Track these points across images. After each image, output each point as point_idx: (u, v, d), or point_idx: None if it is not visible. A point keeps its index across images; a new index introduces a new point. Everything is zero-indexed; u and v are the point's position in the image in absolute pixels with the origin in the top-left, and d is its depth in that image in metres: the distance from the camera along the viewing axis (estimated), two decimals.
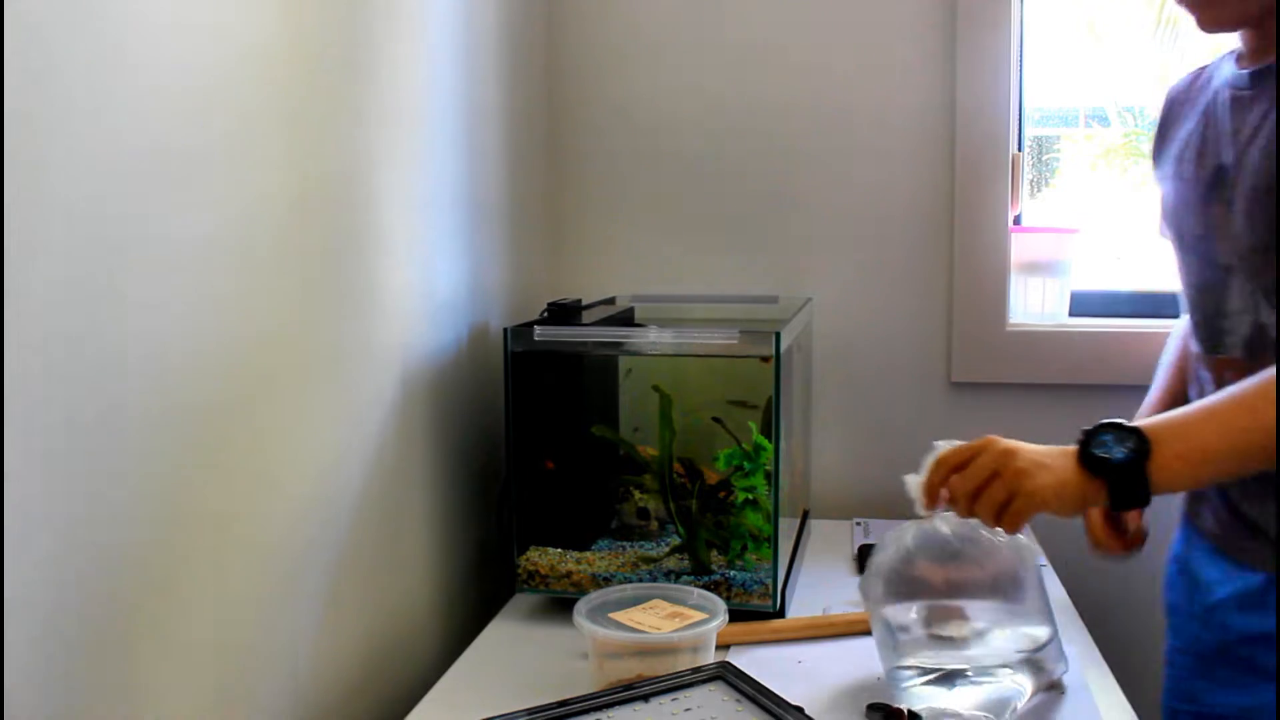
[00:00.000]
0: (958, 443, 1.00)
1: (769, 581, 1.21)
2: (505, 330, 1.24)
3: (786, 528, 1.27)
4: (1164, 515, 1.24)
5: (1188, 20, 1.10)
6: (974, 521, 0.98)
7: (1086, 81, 1.79)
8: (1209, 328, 1.15)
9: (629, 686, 0.91)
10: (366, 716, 1.08)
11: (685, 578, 1.22)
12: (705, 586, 1.17)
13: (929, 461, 1.00)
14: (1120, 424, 0.96)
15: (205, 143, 0.80)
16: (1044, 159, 1.80)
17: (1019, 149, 1.66)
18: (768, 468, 1.23)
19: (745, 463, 1.24)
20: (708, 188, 1.67)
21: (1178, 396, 1.26)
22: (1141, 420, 0.98)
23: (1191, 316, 1.19)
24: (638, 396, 1.40)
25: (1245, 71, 1.11)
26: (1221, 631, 1.17)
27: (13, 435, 0.62)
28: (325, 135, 0.98)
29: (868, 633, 1.07)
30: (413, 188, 1.18)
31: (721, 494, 1.27)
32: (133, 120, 0.72)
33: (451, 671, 1.11)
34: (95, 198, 0.68)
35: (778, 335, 1.16)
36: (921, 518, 1.01)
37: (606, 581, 1.22)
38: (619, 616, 1.02)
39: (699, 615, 1.02)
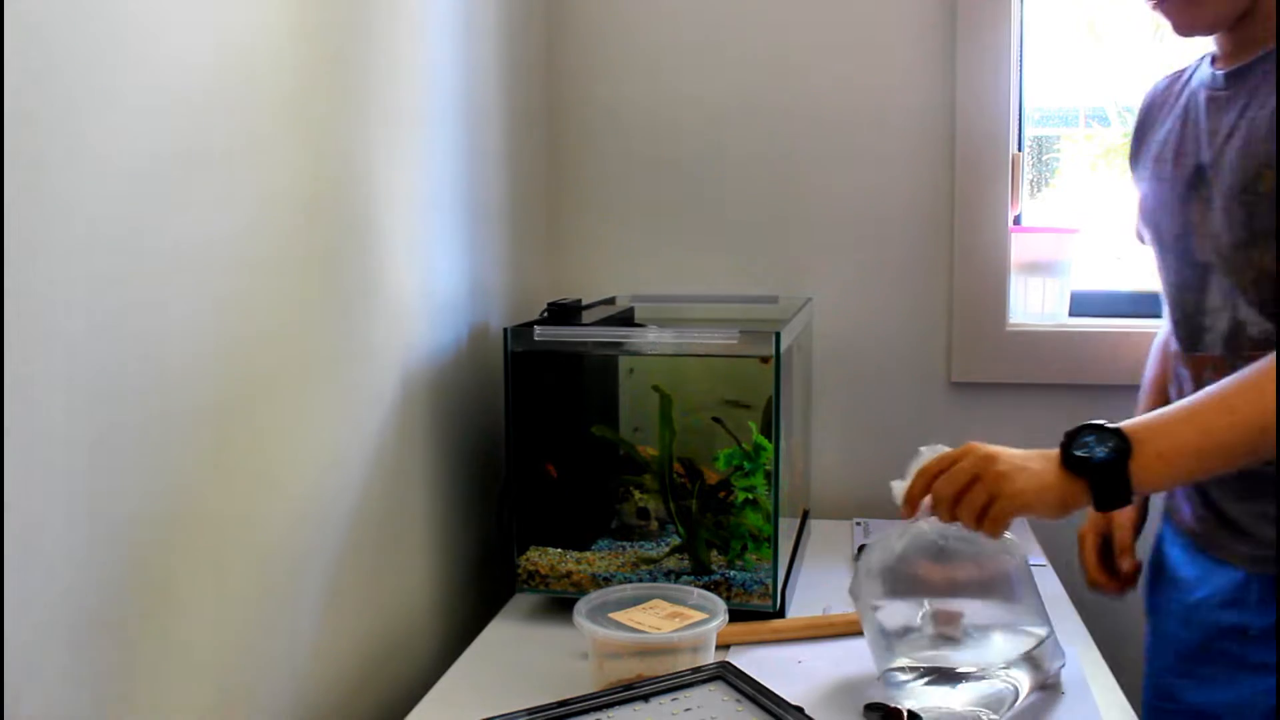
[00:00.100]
0: (943, 448, 1.02)
1: (769, 581, 1.21)
2: (505, 330, 1.24)
3: (786, 528, 1.27)
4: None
5: (1164, 24, 1.12)
6: (956, 526, 0.99)
7: (1086, 81, 1.79)
8: (1188, 325, 1.16)
9: (629, 686, 0.91)
10: (366, 716, 1.08)
11: (685, 578, 1.22)
12: (705, 586, 1.17)
13: (913, 468, 1.01)
14: (1102, 425, 0.97)
15: (205, 143, 0.80)
16: (1044, 159, 1.80)
17: (1019, 149, 1.66)
18: (768, 468, 1.23)
19: (745, 463, 1.24)
20: (708, 188, 1.67)
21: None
22: (1123, 421, 0.99)
23: (1171, 315, 1.20)
24: (638, 396, 1.40)
25: (1221, 72, 1.13)
26: (1202, 630, 1.18)
27: (12, 436, 0.62)
28: (326, 136, 0.98)
29: None
30: (413, 188, 1.18)
31: (721, 494, 1.27)
32: (132, 121, 0.72)
33: (451, 671, 1.11)
34: (95, 198, 0.68)
35: (778, 335, 1.16)
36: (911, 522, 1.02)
37: (606, 581, 1.22)
38: (619, 616, 1.02)
39: (699, 615, 1.02)
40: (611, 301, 1.55)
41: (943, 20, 1.60)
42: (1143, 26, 1.72)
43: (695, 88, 1.66)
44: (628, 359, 1.41)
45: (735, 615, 1.12)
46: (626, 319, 1.48)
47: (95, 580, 0.70)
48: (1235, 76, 1.11)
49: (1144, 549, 1.32)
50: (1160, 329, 1.32)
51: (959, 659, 0.96)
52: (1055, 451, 0.98)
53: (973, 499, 0.96)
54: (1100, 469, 0.95)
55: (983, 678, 0.95)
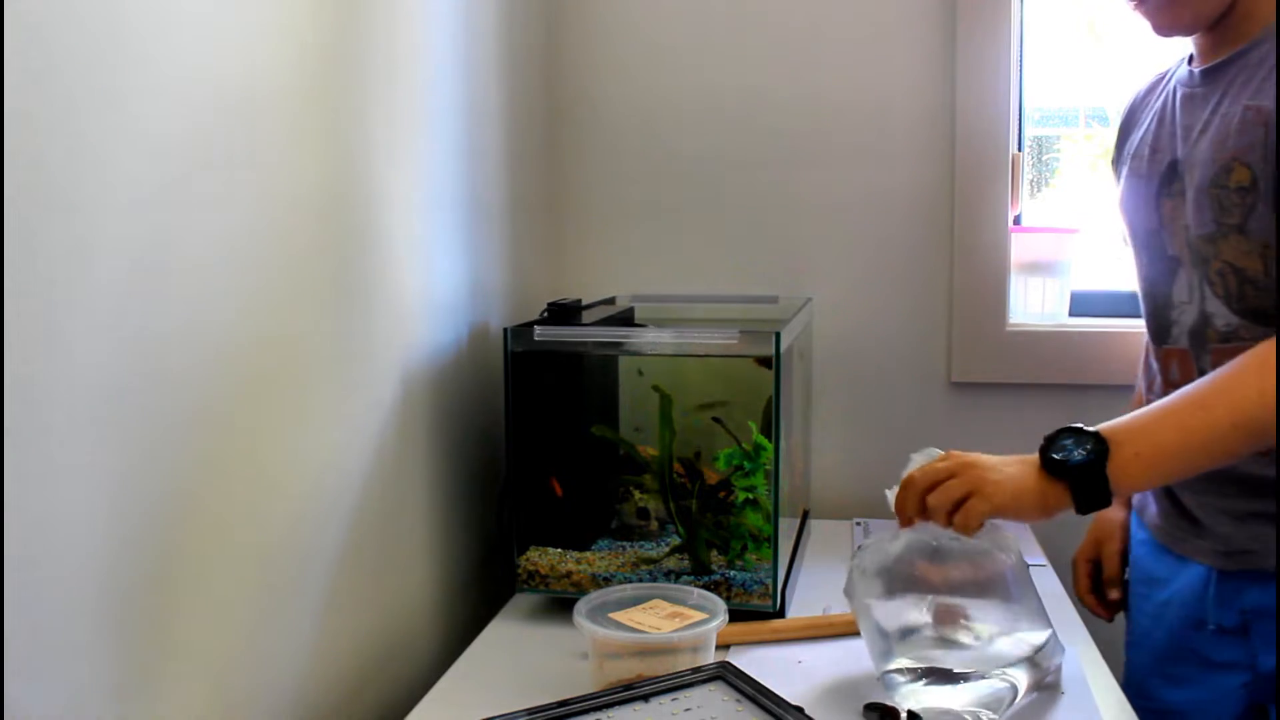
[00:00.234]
0: (936, 451, 1.03)
1: (769, 581, 1.21)
2: (505, 330, 1.24)
3: (786, 528, 1.27)
4: None
5: (1144, 25, 1.14)
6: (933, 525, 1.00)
7: (1086, 81, 1.79)
8: (1157, 319, 1.19)
9: (629, 686, 0.91)
10: (366, 716, 1.08)
11: (685, 578, 1.22)
12: (705, 586, 1.17)
13: (904, 475, 1.03)
14: (1080, 428, 0.98)
15: (204, 144, 0.80)
16: (1044, 159, 1.80)
17: (1019, 149, 1.66)
18: (768, 468, 1.23)
19: (745, 463, 1.24)
20: (708, 188, 1.67)
21: None
22: (1103, 423, 1.00)
23: (1144, 310, 1.22)
24: (638, 396, 1.40)
25: (1197, 70, 1.15)
26: (1171, 629, 1.21)
27: (13, 436, 0.62)
28: (326, 136, 0.98)
29: None
30: (413, 188, 1.18)
31: (721, 494, 1.27)
32: (133, 121, 0.72)
33: (451, 671, 1.11)
34: (95, 198, 0.68)
35: (778, 335, 1.16)
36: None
37: (606, 581, 1.22)
38: (619, 616, 1.02)
39: (699, 615, 1.02)
40: (611, 301, 1.55)
41: (943, 20, 1.60)
42: (1143, 26, 1.72)
43: (695, 87, 1.66)
44: (634, 360, 1.41)
45: (735, 615, 1.12)
46: (626, 319, 1.48)
47: (95, 580, 0.70)
48: (1210, 74, 1.13)
49: None
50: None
51: (961, 660, 0.96)
52: (1034, 456, 0.99)
53: (948, 490, 0.97)
54: (1078, 471, 0.96)
55: (981, 677, 0.95)
